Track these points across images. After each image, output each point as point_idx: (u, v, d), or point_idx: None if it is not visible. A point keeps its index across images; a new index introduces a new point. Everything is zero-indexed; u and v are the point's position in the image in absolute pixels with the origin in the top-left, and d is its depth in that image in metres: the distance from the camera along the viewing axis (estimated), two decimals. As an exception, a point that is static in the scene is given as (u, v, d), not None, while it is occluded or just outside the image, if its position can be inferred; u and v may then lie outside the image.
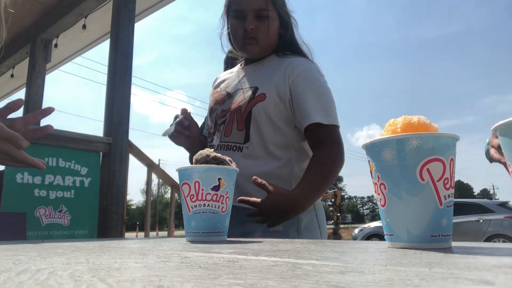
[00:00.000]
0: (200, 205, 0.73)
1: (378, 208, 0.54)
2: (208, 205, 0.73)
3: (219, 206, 0.74)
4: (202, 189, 0.73)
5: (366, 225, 11.18)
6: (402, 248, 0.49)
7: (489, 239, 8.04)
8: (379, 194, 0.52)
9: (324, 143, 1.15)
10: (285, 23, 1.32)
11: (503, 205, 8.64)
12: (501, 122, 0.45)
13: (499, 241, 7.77)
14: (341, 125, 1.23)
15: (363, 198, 79.30)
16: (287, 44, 1.34)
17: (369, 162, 0.54)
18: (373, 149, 0.52)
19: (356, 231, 11.15)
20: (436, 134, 0.49)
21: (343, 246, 0.53)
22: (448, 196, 0.49)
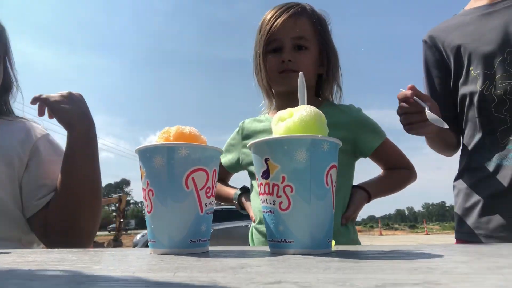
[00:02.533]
0: (212, 203, 0.55)
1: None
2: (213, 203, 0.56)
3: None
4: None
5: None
6: (163, 254, 0.50)
7: (254, 242, 9.35)
8: (146, 200, 0.52)
9: None
10: (8, 82, 1.04)
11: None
12: (252, 141, 0.53)
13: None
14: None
15: (149, 203, 79.29)
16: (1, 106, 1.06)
17: (140, 167, 0.53)
18: (145, 155, 0.52)
19: (138, 237, 10.98)
20: (204, 146, 0.52)
21: (104, 255, 0.51)
22: (209, 203, 0.53)
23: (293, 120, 0.52)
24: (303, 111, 0.52)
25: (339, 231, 0.97)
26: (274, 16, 1.02)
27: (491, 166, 0.95)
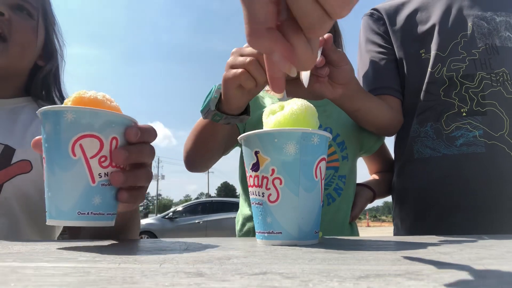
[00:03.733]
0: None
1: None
2: None
3: None
4: None
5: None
6: (53, 225, 0.47)
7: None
8: (43, 168, 0.48)
9: None
10: (50, 49, 0.89)
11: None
12: (243, 134, 0.53)
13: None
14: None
15: (138, 195, 78.66)
16: (45, 84, 0.89)
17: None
18: (40, 119, 0.48)
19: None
20: (95, 110, 0.47)
21: (91, 246, 0.50)
22: (106, 174, 0.47)
23: (283, 113, 0.52)
24: (294, 104, 0.52)
25: (347, 228, 0.95)
26: None
27: (435, 156, 0.92)
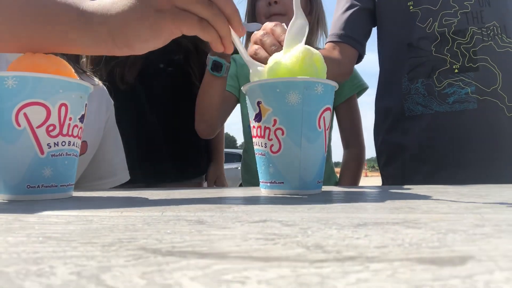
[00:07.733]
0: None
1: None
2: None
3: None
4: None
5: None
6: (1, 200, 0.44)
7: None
8: None
9: None
10: None
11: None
12: (246, 84, 0.52)
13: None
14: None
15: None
16: None
17: None
18: None
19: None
20: (39, 75, 0.43)
21: (93, 195, 0.51)
22: (57, 144, 0.45)
23: (279, 62, 0.50)
24: (291, 54, 0.50)
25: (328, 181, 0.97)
26: None
27: (427, 114, 0.91)
